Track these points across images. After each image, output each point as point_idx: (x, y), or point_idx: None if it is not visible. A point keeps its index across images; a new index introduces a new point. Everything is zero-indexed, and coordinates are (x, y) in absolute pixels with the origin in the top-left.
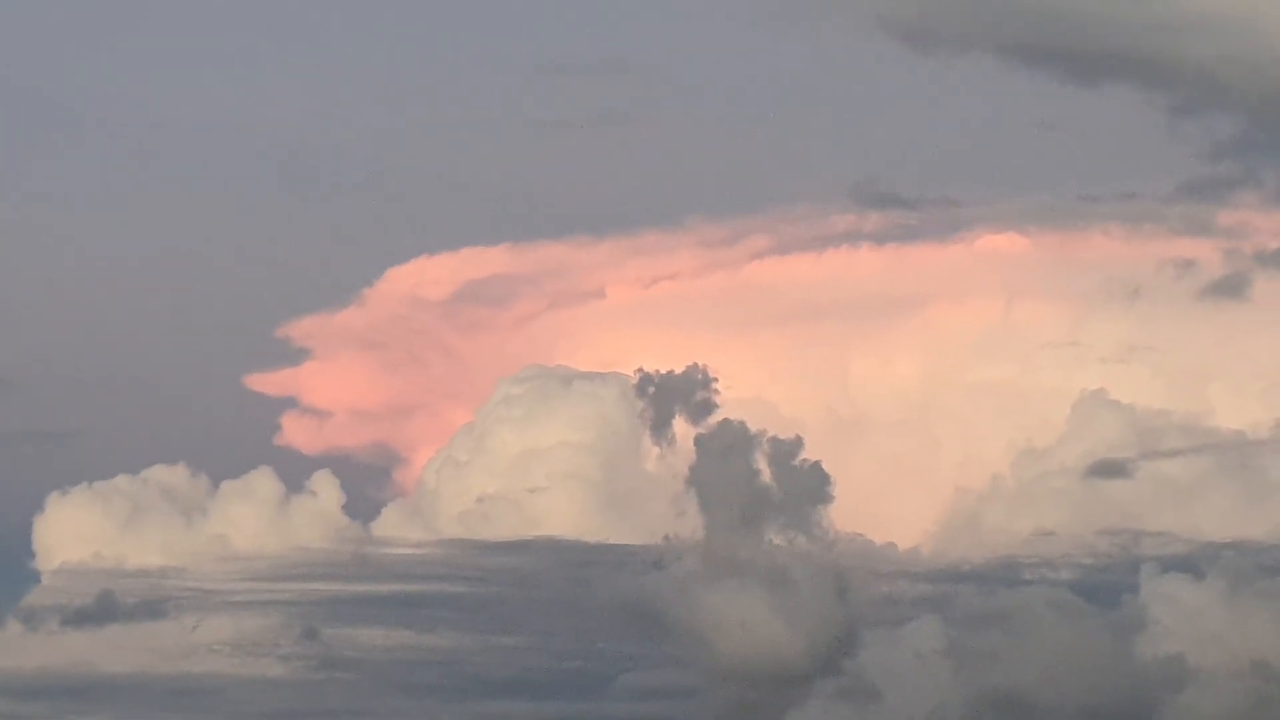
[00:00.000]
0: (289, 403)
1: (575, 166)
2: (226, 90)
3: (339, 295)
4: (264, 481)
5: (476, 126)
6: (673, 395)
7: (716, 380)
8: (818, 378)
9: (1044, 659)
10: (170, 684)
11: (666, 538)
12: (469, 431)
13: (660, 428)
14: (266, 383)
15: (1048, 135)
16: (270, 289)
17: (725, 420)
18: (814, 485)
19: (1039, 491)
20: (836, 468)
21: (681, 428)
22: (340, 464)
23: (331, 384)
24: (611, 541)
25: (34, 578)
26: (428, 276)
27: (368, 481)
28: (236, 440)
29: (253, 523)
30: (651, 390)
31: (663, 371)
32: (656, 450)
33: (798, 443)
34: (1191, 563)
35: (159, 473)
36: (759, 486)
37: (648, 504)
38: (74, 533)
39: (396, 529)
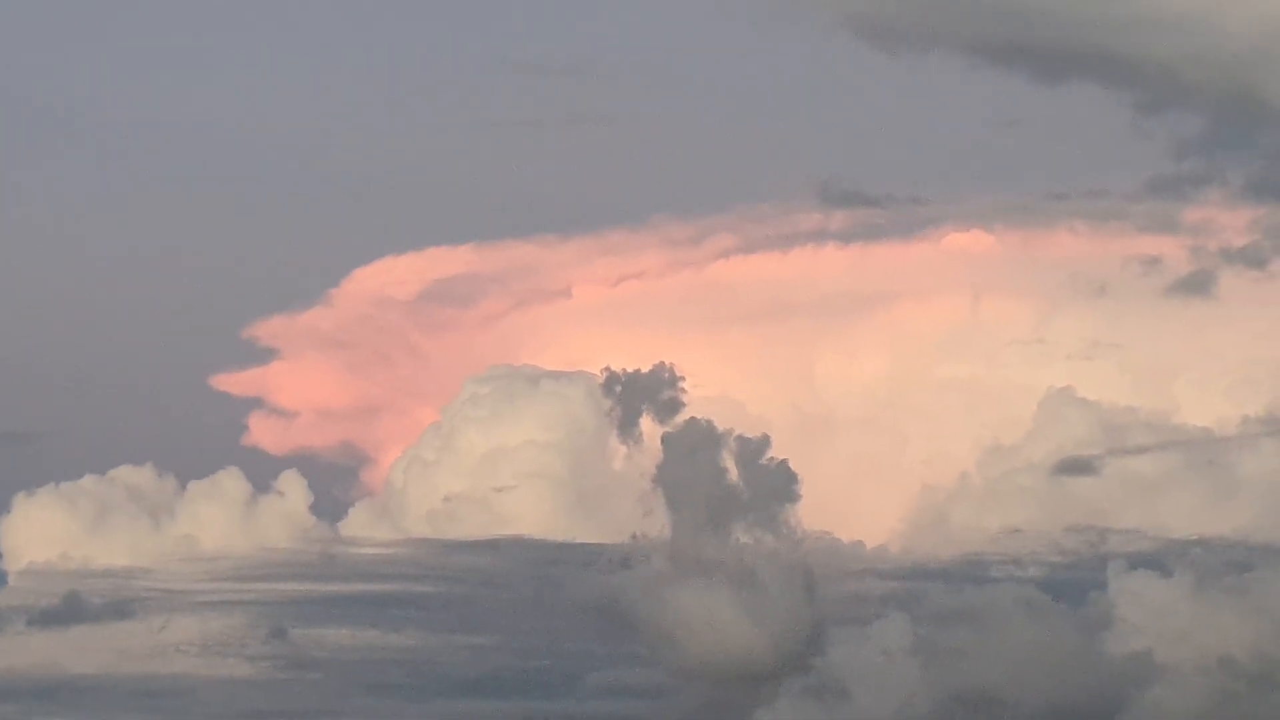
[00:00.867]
0: (256, 403)
1: (541, 166)
2: (193, 93)
3: (305, 295)
4: (231, 482)
5: (442, 126)
6: (639, 394)
7: (683, 379)
8: (784, 376)
9: (1012, 656)
10: (137, 684)
11: (634, 537)
12: (436, 431)
13: (627, 427)
14: (233, 383)
15: (1013, 133)
16: (237, 289)
17: (692, 419)
18: (781, 484)
19: (1006, 489)
20: (803, 466)
21: (648, 427)
22: (307, 464)
23: (298, 384)
24: (579, 541)
25: (0, 579)
26: (394, 276)
27: (335, 481)
28: (203, 441)
29: (220, 523)
30: (618, 389)
31: (629, 370)
32: (623, 449)
33: (764, 441)
34: (1159, 560)
35: (126, 473)
36: (726, 485)
37: (615, 503)
38: (40, 533)
39: (364, 529)
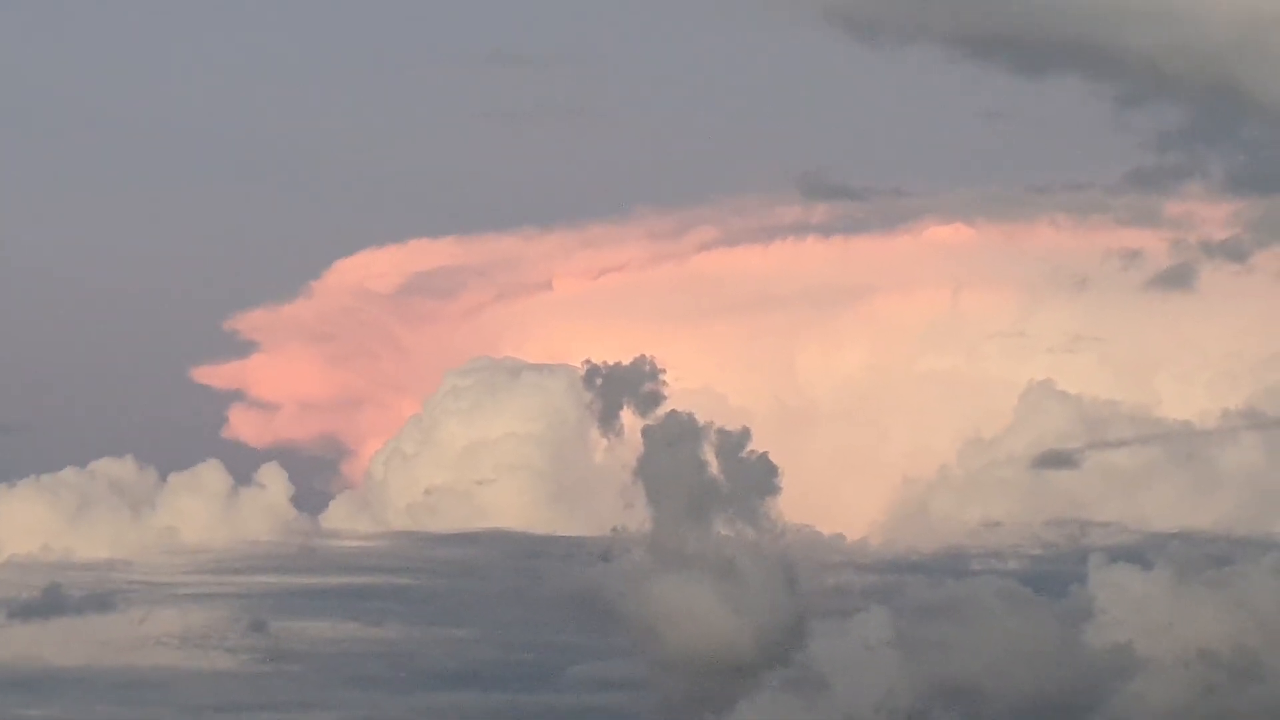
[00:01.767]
0: (236, 395)
1: (522, 158)
2: (172, 87)
3: (286, 287)
4: (212, 474)
5: (423, 118)
6: (620, 387)
7: (664, 372)
8: (765, 368)
9: (992, 649)
10: (118, 677)
11: (614, 529)
12: (417, 423)
13: (608, 419)
14: (214, 375)
15: (993, 126)
16: (218, 281)
17: (673, 412)
18: (762, 476)
19: (986, 481)
20: (784, 458)
21: (629, 419)
22: (288, 456)
23: (279, 376)
24: (559, 533)
25: None
26: (375, 269)
27: (316, 474)
28: (184, 433)
29: (201, 515)
30: (599, 382)
31: (610, 363)
32: (604, 442)
33: (745, 434)
34: (1139, 553)
35: (106, 465)
36: (707, 478)
37: (596, 496)
38: (21, 526)
39: (345, 521)
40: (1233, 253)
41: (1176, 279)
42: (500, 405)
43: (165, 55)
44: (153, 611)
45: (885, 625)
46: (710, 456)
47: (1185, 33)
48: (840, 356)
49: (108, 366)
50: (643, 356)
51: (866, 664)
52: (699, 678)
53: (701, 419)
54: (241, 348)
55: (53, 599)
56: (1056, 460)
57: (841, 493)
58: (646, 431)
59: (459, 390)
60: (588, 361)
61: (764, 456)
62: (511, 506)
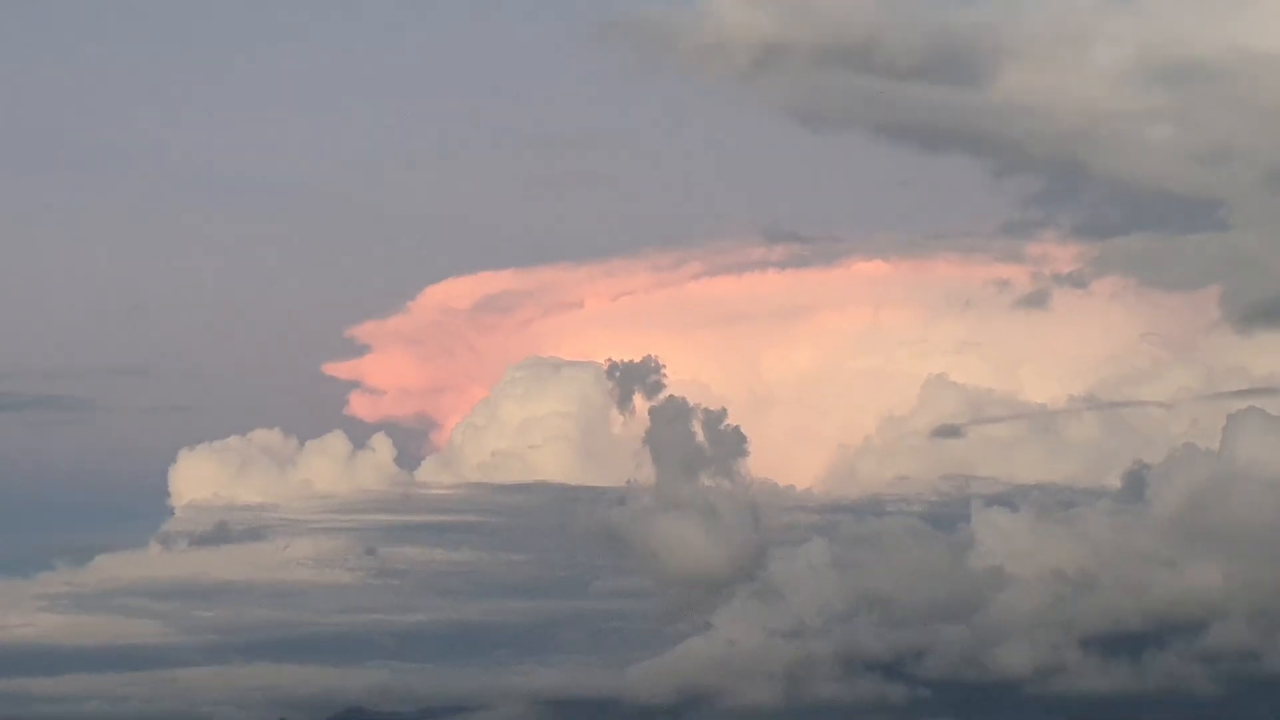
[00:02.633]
0: (355, 384)
1: (561, 212)
2: (314, 159)
3: (391, 306)
4: (337, 441)
5: (490, 182)
6: (633, 378)
7: (665, 368)
8: (738, 365)
9: (902, 569)
10: (268, 589)
11: (628, 482)
12: (485, 404)
13: (624, 402)
14: (338, 369)
15: (904, 190)
16: (342, 301)
17: (671, 397)
18: (735, 444)
19: (898, 448)
20: (752, 431)
21: (639, 402)
22: (392, 429)
23: (385, 371)
24: (588, 484)
25: (169, 512)
26: (455, 292)
27: (412, 441)
28: (317, 411)
29: (329, 472)
30: (618, 375)
31: (626, 361)
32: (621, 419)
33: (723, 413)
34: (1008, 499)
35: (260, 435)
36: (695, 445)
37: (615, 457)
38: (197, 479)
39: (433, 476)
40: (1077, 282)
41: (1036, 300)
42: (545, 391)
43: (309, 132)
44: (293, 541)
45: (825, 552)
46: (698, 429)
47: (1042, 123)
48: (793, 357)
49: (261, 362)
50: (649, 356)
51: (811, 580)
52: (689, 589)
53: (691, 402)
54: (358, 350)
55: (221, 532)
56: (948, 432)
57: (793, 456)
58: (652, 411)
59: (516, 380)
60: (609, 360)
61: (737, 429)
62: (554, 465)
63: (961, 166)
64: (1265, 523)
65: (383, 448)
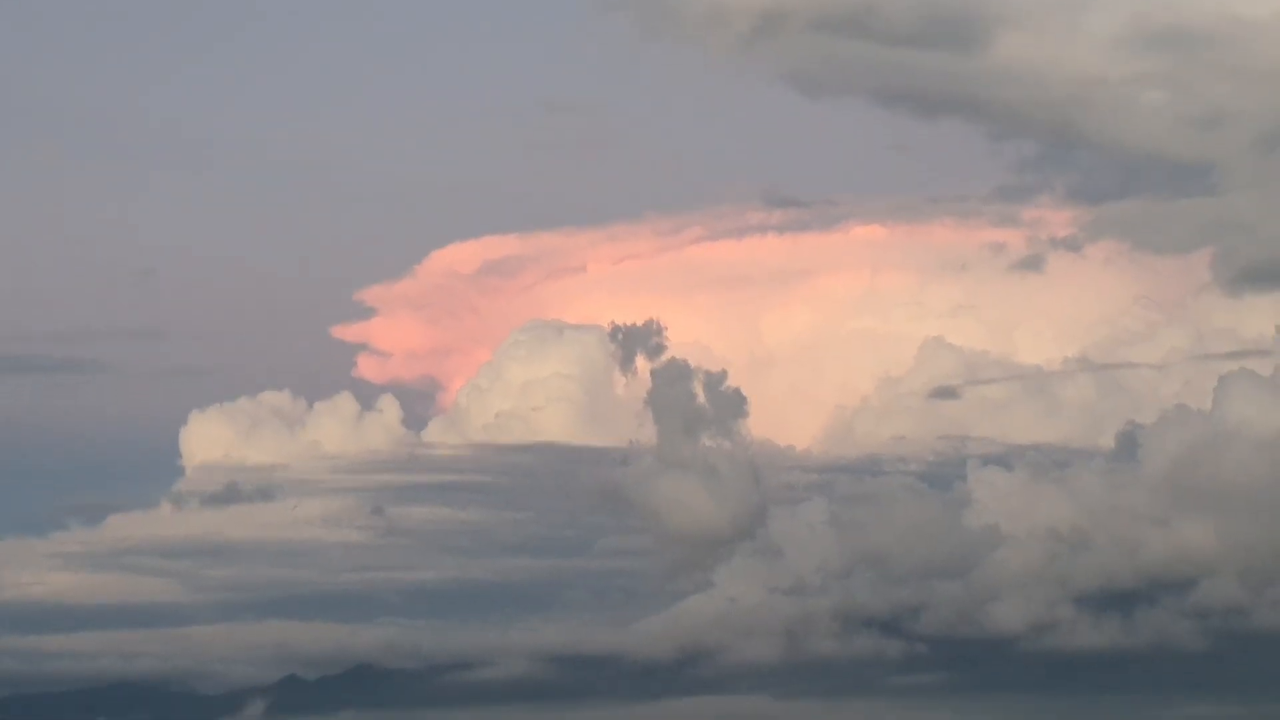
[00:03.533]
0: (363, 346)
1: (565, 178)
2: (330, 135)
3: (397, 270)
4: (345, 403)
5: (496, 149)
6: (635, 341)
7: (666, 330)
8: (738, 328)
9: (898, 527)
10: (278, 547)
11: (631, 442)
12: (490, 367)
13: (626, 364)
14: (346, 332)
15: (900, 155)
16: (350, 266)
17: (672, 359)
18: (735, 405)
19: (895, 409)
20: (751, 392)
21: (641, 364)
22: (399, 390)
23: (393, 333)
24: (591, 444)
25: (180, 472)
26: (460, 256)
27: (419, 403)
28: (325, 373)
29: (337, 432)
30: (620, 337)
31: (628, 324)
32: (624, 380)
33: (723, 374)
34: (1004, 459)
35: (269, 396)
36: (696, 406)
37: (617, 418)
38: (208, 439)
39: (439, 436)
40: (1071, 245)
41: (1031, 264)
42: (549, 354)
43: (331, 111)
44: (302, 501)
45: (823, 511)
46: (699, 390)
47: (1037, 89)
48: (791, 319)
49: (271, 325)
50: (651, 319)
51: (809, 538)
52: (690, 547)
53: (693, 364)
54: (366, 313)
55: (231, 492)
56: (945, 393)
57: (792, 416)
58: (654, 373)
59: (520, 343)
60: (612, 323)
61: (737, 390)
62: (557, 426)
63: (957, 132)
64: (1255, 482)
65: (390, 409)
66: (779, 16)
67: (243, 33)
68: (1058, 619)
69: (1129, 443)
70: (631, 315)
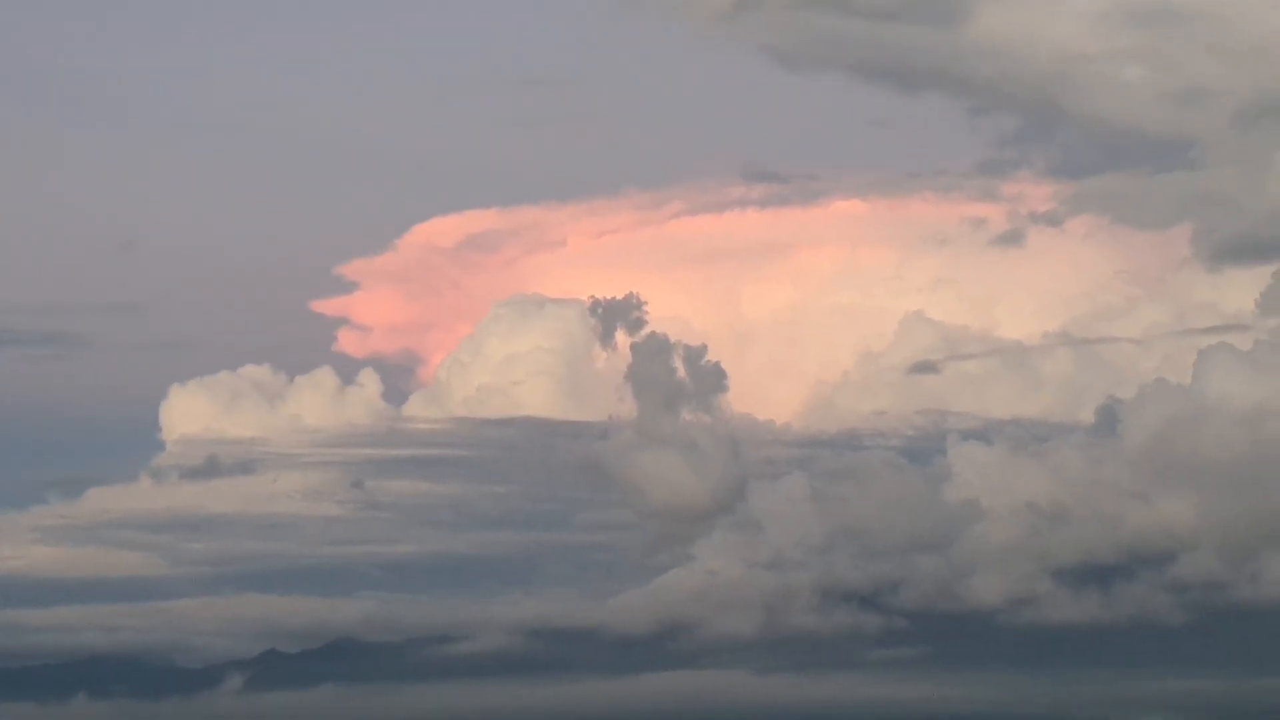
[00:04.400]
0: (343, 320)
1: (545, 152)
2: (311, 111)
3: (378, 244)
4: (325, 376)
5: (476, 124)
6: (615, 315)
7: (646, 304)
8: (718, 302)
9: (879, 502)
10: (258, 521)
11: (610, 416)
12: (470, 341)
13: (606, 338)
14: (327, 306)
15: (881, 129)
16: (330, 240)
17: (653, 333)
18: (715, 379)
19: (875, 383)
20: (731, 366)
21: (621, 339)
22: (380, 364)
23: (373, 307)
24: (571, 419)
25: (160, 446)
26: (440, 231)
27: (399, 376)
28: (306, 347)
29: (317, 406)
30: (600, 311)
31: (608, 298)
32: (604, 354)
33: (703, 349)
34: (983, 433)
35: (250, 370)
36: (676, 380)
37: (598, 392)
38: (189, 413)
39: (419, 410)
40: (1051, 220)
41: (1011, 239)
42: (530, 328)
43: (293, 69)
44: (282, 474)
45: (803, 485)
46: (679, 365)
47: (1017, 64)
48: (772, 294)
49: (251, 300)
50: (632, 294)
51: (789, 513)
52: (670, 522)
53: (672, 338)
54: (346, 287)
55: (211, 465)
56: (925, 368)
57: (772, 391)
58: (634, 347)
59: (500, 317)
60: (592, 297)
61: (717, 365)
62: (537, 400)
63: (938, 107)
64: (1234, 456)
65: (370, 383)
66: None
67: (226, 8)
68: (1037, 593)
69: (1109, 417)
70: (612, 289)
